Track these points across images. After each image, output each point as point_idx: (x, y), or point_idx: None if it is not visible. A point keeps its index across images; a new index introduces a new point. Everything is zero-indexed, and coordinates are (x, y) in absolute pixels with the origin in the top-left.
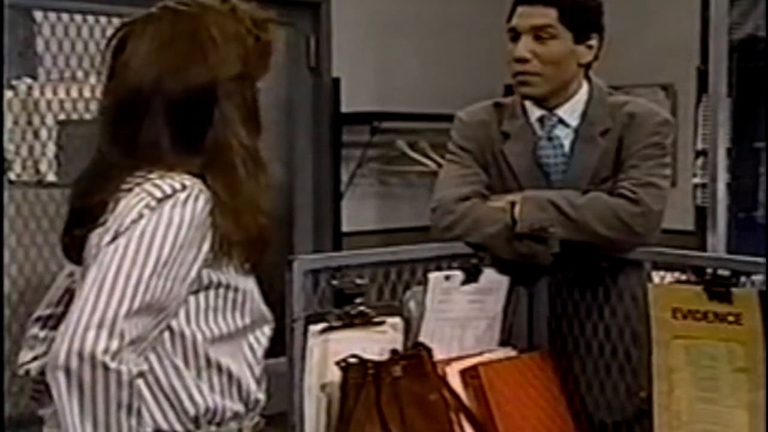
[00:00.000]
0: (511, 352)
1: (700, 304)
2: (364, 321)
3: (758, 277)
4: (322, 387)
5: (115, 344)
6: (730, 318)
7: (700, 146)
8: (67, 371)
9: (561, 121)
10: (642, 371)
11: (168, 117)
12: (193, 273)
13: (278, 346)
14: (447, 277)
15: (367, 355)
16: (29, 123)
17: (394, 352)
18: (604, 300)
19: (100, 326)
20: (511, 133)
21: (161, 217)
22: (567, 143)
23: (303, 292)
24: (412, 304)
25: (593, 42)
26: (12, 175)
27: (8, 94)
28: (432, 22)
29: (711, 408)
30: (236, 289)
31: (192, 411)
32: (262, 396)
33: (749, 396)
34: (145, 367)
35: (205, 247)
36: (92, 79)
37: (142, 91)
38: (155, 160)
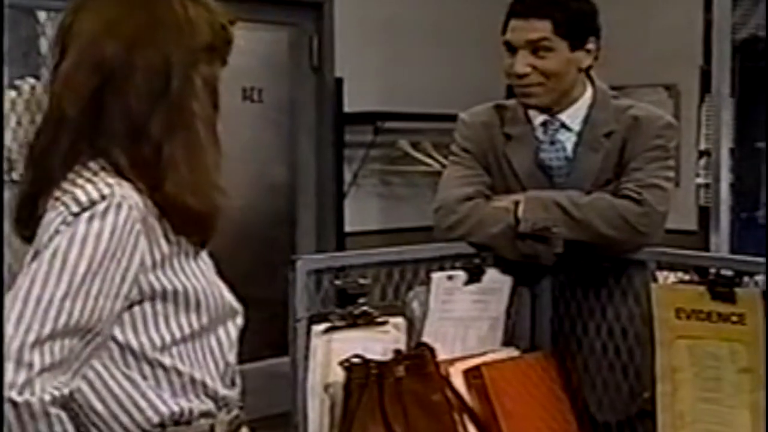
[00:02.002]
0: (514, 353)
1: (704, 304)
2: (368, 321)
3: (761, 278)
4: (326, 387)
5: (22, 377)
6: (734, 318)
7: (703, 146)
8: None
9: (563, 125)
10: (645, 371)
11: (135, 81)
12: (126, 286)
13: (281, 345)
14: (450, 277)
15: (370, 355)
16: (32, 123)
17: (397, 352)
18: (608, 300)
19: (5, 359)
20: (513, 135)
21: (76, 233)
22: (569, 146)
23: (306, 292)
24: (415, 304)
25: (591, 45)
26: (15, 175)
27: (11, 94)
28: (435, 22)
29: (714, 408)
30: (186, 292)
31: (155, 418)
32: (229, 392)
33: (752, 396)
34: (72, 386)
35: (138, 256)
36: None
37: (115, 56)
38: (121, 121)
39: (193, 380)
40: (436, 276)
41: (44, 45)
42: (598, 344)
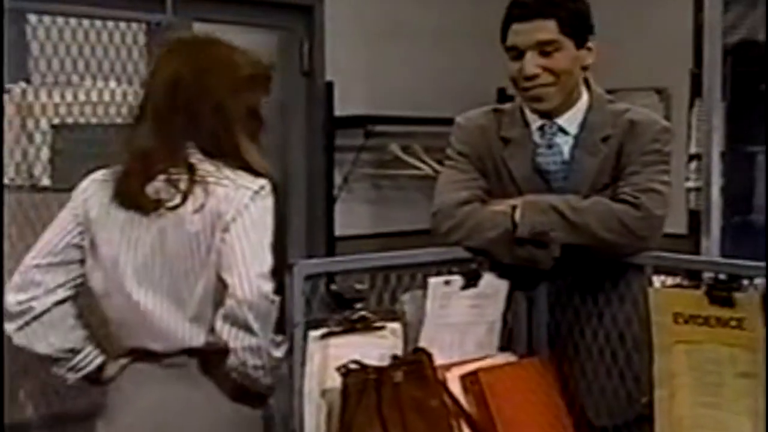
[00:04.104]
0: (511, 358)
1: (702, 308)
2: (365, 326)
3: (760, 281)
4: (323, 393)
5: (272, 286)
6: (733, 323)
7: (693, 150)
8: (251, 306)
9: (561, 129)
10: (643, 376)
11: (206, 100)
12: None
13: None
14: (447, 282)
15: (367, 361)
16: (23, 127)
17: (395, 357)
18: (605, 304)
19: (269, 275)
20: (511, 139)
21: (264, 203)
22: (567, 150)
23: (303, 297)
24: (409, 308)
25: (591, 44)
26: (6, 179)
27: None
28: (425, 26)
29: (713, 413)
30: None
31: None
32: None
33: (752, 401)
34: None
35: None
36: (87, 83)
37: (192, 85)
38: (209, 127)
39: None
40: (433, 281)
41: (35, 48)
42: (596, 349)
